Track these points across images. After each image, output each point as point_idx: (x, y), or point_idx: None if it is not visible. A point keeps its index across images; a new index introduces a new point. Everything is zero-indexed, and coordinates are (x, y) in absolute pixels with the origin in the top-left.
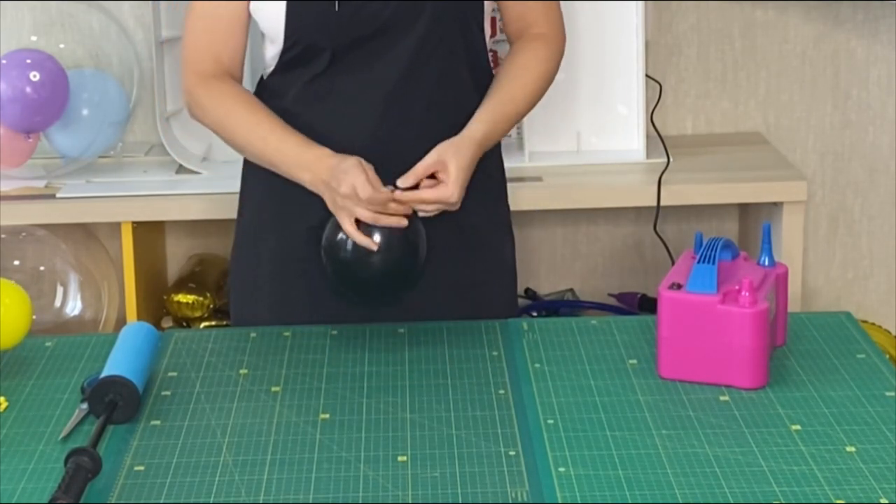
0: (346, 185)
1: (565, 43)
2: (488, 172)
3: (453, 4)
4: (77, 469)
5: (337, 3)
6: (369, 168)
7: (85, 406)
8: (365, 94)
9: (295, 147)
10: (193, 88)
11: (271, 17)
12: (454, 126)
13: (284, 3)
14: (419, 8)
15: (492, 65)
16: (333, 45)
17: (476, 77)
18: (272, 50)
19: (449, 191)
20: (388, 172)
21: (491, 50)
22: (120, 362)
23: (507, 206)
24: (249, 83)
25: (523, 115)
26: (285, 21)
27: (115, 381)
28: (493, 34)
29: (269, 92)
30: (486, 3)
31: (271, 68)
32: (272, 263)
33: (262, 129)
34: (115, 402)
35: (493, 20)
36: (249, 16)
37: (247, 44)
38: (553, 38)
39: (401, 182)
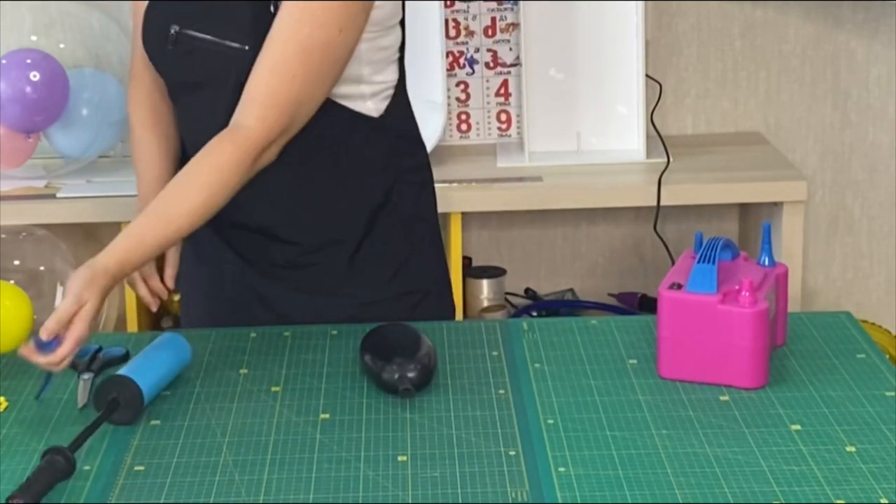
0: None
1: (267, 143)
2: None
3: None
4: (44, 469)
5: (169, 42)
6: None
7: (87, 376)
8: (202, 128)
9: (141, 183)
10: (128, 84)
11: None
12: (294, 179)
13: (142, 25)
14: (231, 68)
15: (492, 65)
16: (169, 81)
17: (326, 124)
18: None
19: (78, 329)
20: (232, 205)
21: (490, 50)
22: (137, 366)
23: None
24: None
25: (185, 228)
26: (143, 42)
27: (121, 381)
28: (493, 34)
29: None
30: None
31: None
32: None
33: (137, 160)
34: (116, 402)
35: (494, 20)
36: None
37: None
38: (249, 137)
39: (42, 334)
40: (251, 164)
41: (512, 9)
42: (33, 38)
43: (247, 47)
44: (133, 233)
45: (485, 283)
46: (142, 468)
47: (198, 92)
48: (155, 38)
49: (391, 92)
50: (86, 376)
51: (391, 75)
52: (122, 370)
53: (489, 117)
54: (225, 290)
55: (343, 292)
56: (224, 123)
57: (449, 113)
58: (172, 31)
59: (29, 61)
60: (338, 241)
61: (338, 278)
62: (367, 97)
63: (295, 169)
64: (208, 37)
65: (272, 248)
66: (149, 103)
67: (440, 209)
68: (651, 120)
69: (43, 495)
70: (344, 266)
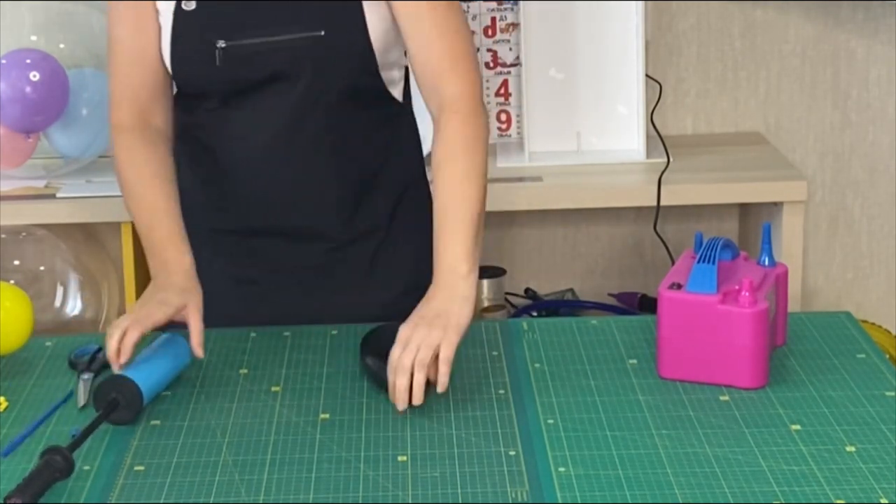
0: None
1: (481, 89)
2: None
3: (337, 57)
4: (42, 469)
5: (218, 58)
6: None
7: (87, 376)
8: (255, 133)
9: (157, 242)
10: (113, 136)
11: (164, 55)
12: (344, 163)
13: (169, 49)
14: (301, 62)
15: (492, 65)
16: (220, 93)
17: (373, 110)
18: None
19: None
20: (282, 206)
21: (490, 50)
22: (137, 366)
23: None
24: None
25: (479, 200)
26: (171, 67)
27: (121, 382)
28: (493, 34)
29: (178, 105)
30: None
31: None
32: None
33: (144, 210)
34: (116, 402)
35: (494, 20)
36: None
37: (170, 85)
38: (464, 99)
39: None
40: (484, 121)
41: (512, 9)
42: (33, 38)
43: (322, 32)
44: (441, 246)
45: (485, 283)
46: (142, 468)
47: (259, 92)
48: (195, 60)
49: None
50: (86, 376)
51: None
52: (122, 370)
53: (489, 117)
54: (231, 310)
55: (366, 291)
56: (293, 115)
57: None
58: (219, 47)
59: (29, 61)
60: (365, 235)
61: (360, 277)
62: (397, 82)
63: (345, 156)
64: (268, 39)
65: (298, 252)
66: (146, 156)
67: None
68: (651, 120)
69: (40, 495)
70: (367, 263)
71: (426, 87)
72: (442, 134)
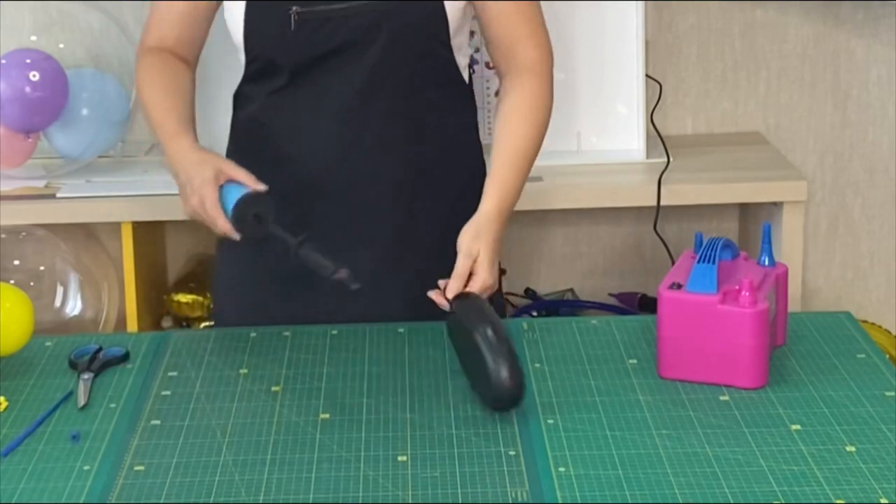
0: (196, 197)
1: (552, 56)
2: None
3: (411, 24)
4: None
5: (293, 24)
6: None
7: (87, 376)
8: (324, 108)
9: (167, 131)
10: (136, 59)
11: (235, 31)
12: (414, 140)
13: (242, 20)
14: (375, 29)
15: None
16: (291, 63)
17: (444, 89)
18: (242, 59)
19: (481, 279)
20: (350, 186)
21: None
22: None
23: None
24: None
25: (534, 158)
26: (244, 38)
27: (256, 199)
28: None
29: (242, 98)
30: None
31: (242, 76)
32: (245, 262)
33: (153, 103)
34: (260, 217)
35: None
36: (209, 16)
37: (202, 39)
38: (540, 63)
39: (448, 292)
40: (551, 88)
41: None
42: (33, 38)
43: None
44: (498, 177)
45: None
46: (142, 468)
47: (331, 62)
48: (270, 27)
49: None
50: (86, 376)
51: None
52: (241, 192)
53: (489, 117)
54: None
55: (437, 272)
56: (366, 85)
57: None
58: (294, 11)
59: (29, 61)
60: (424, 228)
61: (428, 252)
62: (463, 68)
63: (414, 136)
64: (343, 4)
65: (355, 247)
66: (161, 67)
67: None
68: (651, 120)
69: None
70: (423, 262)
71: (502, 52)
72: (515, 91)
